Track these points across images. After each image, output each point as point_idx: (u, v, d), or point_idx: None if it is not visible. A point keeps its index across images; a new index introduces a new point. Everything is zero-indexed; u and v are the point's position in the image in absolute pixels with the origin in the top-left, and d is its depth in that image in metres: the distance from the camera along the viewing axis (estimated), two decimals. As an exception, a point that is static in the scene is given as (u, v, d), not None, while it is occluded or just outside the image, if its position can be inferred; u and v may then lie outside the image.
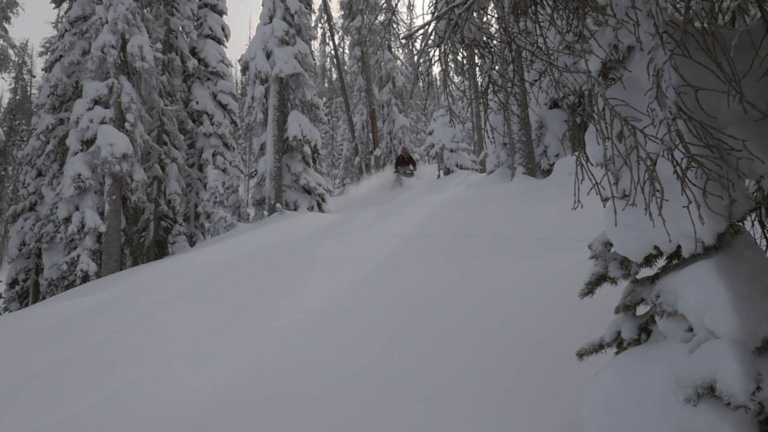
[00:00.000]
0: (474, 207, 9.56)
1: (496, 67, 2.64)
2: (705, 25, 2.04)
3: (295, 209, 20.21)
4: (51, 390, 5.42)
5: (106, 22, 18.77)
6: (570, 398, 3.37)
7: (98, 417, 4.20)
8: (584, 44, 2.18)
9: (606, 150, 2.08)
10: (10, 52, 19.96)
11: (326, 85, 46.94)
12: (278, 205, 19.19)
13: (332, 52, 30.47)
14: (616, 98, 2.13)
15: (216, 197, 20.41)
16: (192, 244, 22.47)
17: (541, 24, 2.45)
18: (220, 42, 24.94)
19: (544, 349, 3.91)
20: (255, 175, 21.36)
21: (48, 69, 21.95)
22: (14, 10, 19.98)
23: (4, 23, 19.69)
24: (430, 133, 24.22)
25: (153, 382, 4.67)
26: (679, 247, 2.27)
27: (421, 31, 2.33)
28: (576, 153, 2.24)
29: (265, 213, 20.20)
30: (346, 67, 33.75)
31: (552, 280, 4.86)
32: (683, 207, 2.01)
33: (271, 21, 20.89)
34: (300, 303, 5.81)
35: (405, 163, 23.85)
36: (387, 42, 28.45)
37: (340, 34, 33.38)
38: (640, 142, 2.00)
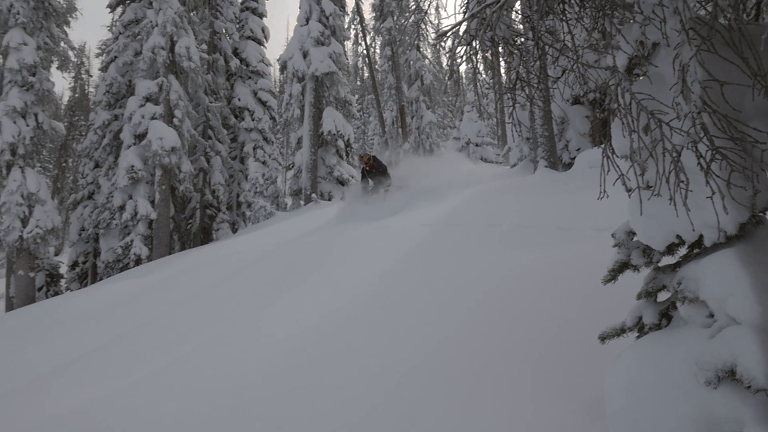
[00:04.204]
0: (498, 198, 9.46)
1: (525, 64, 2.60)
2: (731, 21, 1.98)
3: (330, 199, 20.35)
4: (123, 359, 5.57)
5: (156, 25, 19.07)
6: (591, 379, 3.33)
7: (138, 396, 4.31)
8: (611, 41, 2.13)
9: (632, 142, 2.03)
10: (70, 53, 20.40)
11: (358, 83, 46.90)
12: (314, 195, 19.33)
13: (364, 51, 30.41)
14: (642, 92, 2.08)
15: (256, 188, 20.67)
16: (234, 230, 22.81)
17: (569, 22, 2.40)
18: (260, 43, 25.13)
19: (567, 333, 3.88)
20: (292, 167, 21.55)
21: (104, 69, 22.43)
22: (73, 15, 20.39)
23: (65, 27, 20.13)
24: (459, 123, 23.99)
25: (205, 356, 4.77)
26: (701, 236, 2.22)
27: (453, 30, 2.30)
28: (602, 146, 2.20)
29: (302, 203, 20.39)
30: (377, 66, 33.68)
31: (574, 267, 4.79)
32: (707, 197, 1.95)
33: (307, 23, 20.95)
34: (338, 288, 5.84)
35: (373, 173, 12.62)
36: (416, 42, 28.27)
37: (371, 34, 33.25)
38: (665, 135, 1.95)
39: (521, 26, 3.40)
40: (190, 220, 21.88)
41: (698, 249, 2.37)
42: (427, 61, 29.74)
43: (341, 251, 7.44)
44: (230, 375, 4.21)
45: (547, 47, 2.81)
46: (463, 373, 3.67)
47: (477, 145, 23.32)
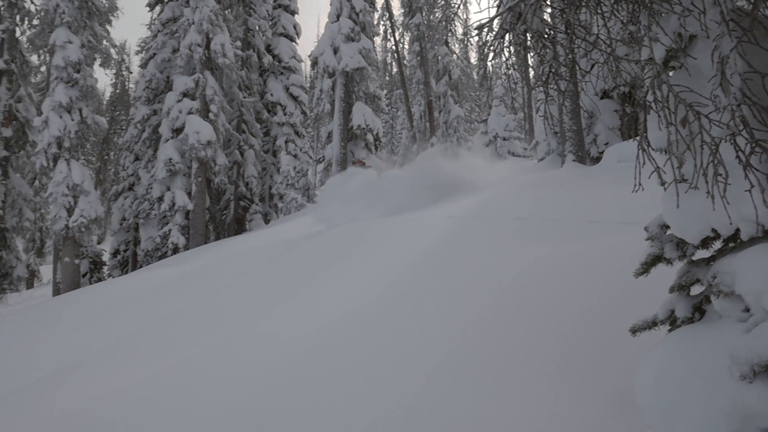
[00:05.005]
0: (525, 192, 9.36)
1: (560, 58, 2.54)
2: (773, 12, 1.90)
3: (358, 192, 20.31)
4: (156, 344, 5.69)
5: (193, 23, 19.31)
6: (617, 371, 3.28)
7: (195, 370, 4.39)
8: (650, 33, 2.07)
9: (670, 135, 1.98)
10: (112, 51, 20.84)
11: (387, 78, 46.77)
12: (343, 187, 19.36)
13: (393, 47, 30.29)
14: (679, 85, 2.02)
15: (288, 180, 20.84)
16: (267, 221, 23.07)
17: (605, 15, 2.34)
18: (292, 39, 25.24)
19: (593, 325, 3.82)
20: (323, 160, 21.65)
21: (143, 65, 22.84)
22: (115, 14, 20.81)
23: (107, 26, 20.56)
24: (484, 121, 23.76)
25: (247, 337, 4.85)
26: (737, 230, 2.15)
27: (488, 23, 2.27)
28: (635, 139, 2.14)
29: (332, 195, 20.43)
30: (405, 62, 33.50)
31: (601, 260, 4.71)
32: (745, 191, 1.89)
33: (338, 19, 20.95)
34: (366, 280, 5.85)
35: None
36: (445, 37, 28.03)
37: (400, 30, 33.10)
38: (704, 128, 1.89)
39: (552, 20, 3.33)
40: (225, 211, 22.20)
41: (734, 243, 2.31)
42: (455, 56, 29.48)
43: (368, 243, 7.46)
44: (247, 374, 4.17)
45: (580, 40, 2.75)
46: (490, 364, 3.64)
47: (505, 139, 23.07)
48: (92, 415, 3.93)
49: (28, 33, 19.87)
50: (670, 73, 2.25)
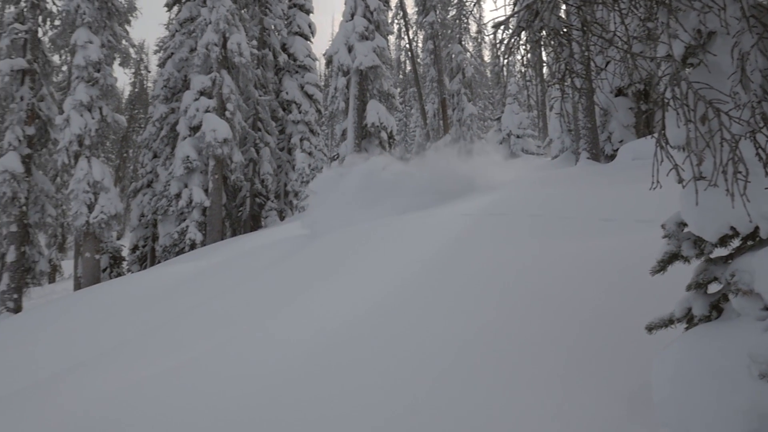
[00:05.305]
0: (540, 189, 9.29)
1: (575, 55, 2.51)
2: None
3: (372, 189, 20.29)
4: (164, 342, 5.74)
5: (210, 23, 19.42)
6: (627, 370, 3.24)
7: (202, 368, 4.42)
8: (669, 29, 2.04)
9: (689, 132, 1.95)
10: (131, 50, 21.06)
11: (401, 76, 46.65)
12: (357, 185, 19.35)
13: (407, 45, 30.21)
14: (699, 82, 1.99)
15: (303, 177, 20.92)
16: (282, 218, 23.18)
17: (622, 11, 2.31)
18: (307, 38, 25.30)
19: (606, 323, 3.78)
20: (337, 158, 21.67)
21: (161, 65, 23.04)
22: (134, 14, 21.02)
23: (126, 26, 20.77)
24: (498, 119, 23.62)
25: (253, 337, 4.88)
26: (756, 228, 2.12)
27: (505, 21, 2.25)
28: (652, 136, 2.12)
29: (346, 192, 20.43)
30: (419, 60, 33.41)
31: (615, 258, 4.66)
32: (766, 188, 1.86)
33: (352, 18, 20.94)
34: (378, 279, 5.83)
35: None
36: (458, 35, 27.91)
37: (414, 29, 33.00)
38: (724, 125, 1.86)
39: (568, 17, 3.30)
40: (241, 207, 22.35)
41: (753, 241, 2.27)
42: (468, 54, 29.35)
43: (380, 241, 7.45)
44: (251, 374, 4.11)
45: (596, 38, 2.72)
46: (502, 362, 3.61)
47: (518, 136, 22.94)
48: (97, 414, 3.92)
49: (50, 33, 20.15)
50: (689, 70, 2.22)
